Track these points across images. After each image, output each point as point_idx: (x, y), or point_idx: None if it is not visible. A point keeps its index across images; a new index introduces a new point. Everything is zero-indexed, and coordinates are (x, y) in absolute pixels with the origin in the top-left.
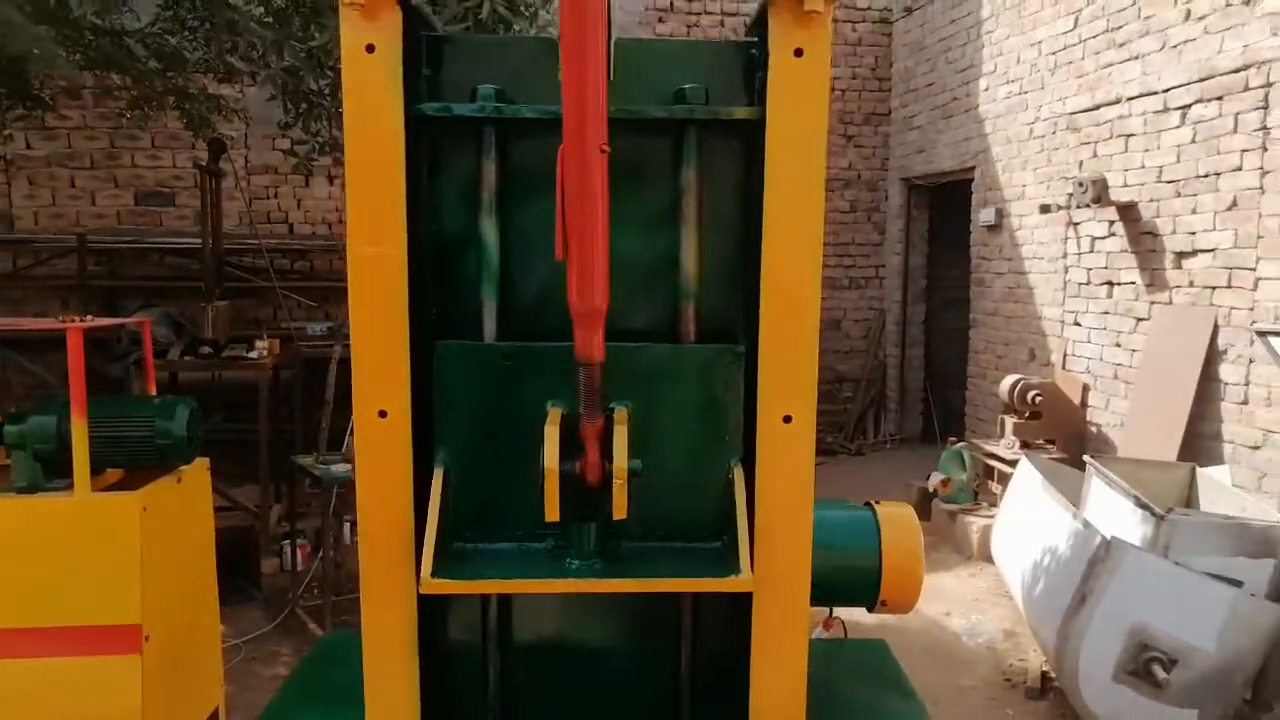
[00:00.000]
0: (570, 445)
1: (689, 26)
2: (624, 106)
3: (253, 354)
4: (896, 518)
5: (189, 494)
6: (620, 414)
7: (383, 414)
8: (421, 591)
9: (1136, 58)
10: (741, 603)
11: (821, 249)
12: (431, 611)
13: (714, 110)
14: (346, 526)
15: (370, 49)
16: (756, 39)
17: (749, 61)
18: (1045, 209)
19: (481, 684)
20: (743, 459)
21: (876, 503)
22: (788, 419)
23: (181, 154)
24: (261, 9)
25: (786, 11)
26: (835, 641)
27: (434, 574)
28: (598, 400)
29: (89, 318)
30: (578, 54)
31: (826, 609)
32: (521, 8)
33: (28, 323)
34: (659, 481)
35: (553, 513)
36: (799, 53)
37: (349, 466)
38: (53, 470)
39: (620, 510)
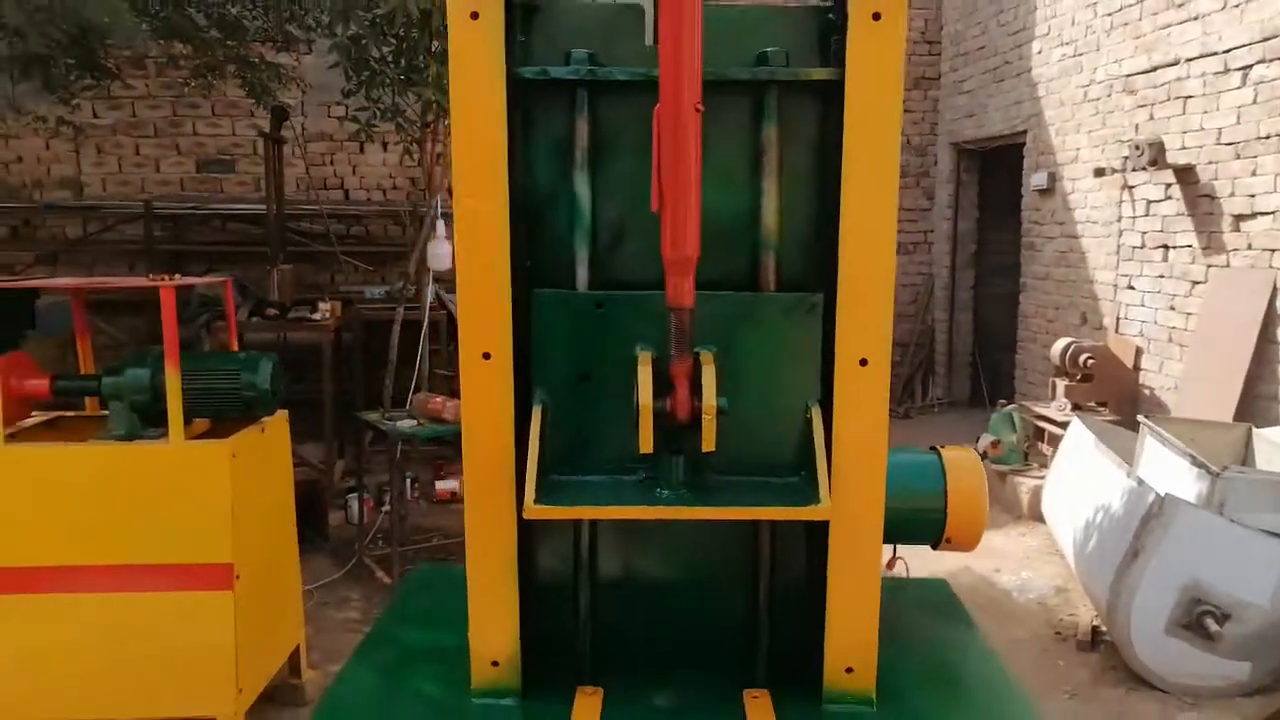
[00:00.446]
0: (660, 385)
1: None
2: (710, 69)
3: (316, 316)
4: (961, 460)
5: (272, 443)
6: (706, 356)
7: (486, 356)
8: (525, 517)
9: (1196, 18)
10: (817, 536)
11: (896, 201)
12: (526, 543)
13: (795, 72)
14: (408, 481)
15: (474, 16)
16: (832, 3)
17: (824, 25)
18: (1099, 172)
19: (572, 612)
20: (820, 401)
21: (941, 447)
22: (864, 362)
23: (240, 122)
24: None
25: None
26: (899, 580)
27: (537, 501)
28: (688, 343)
29: (176, 277)
30: (675, 21)
31: (891, 549)
32: None
33: (120, 282)
34: (741, 421)
35: (647, 445)
36: (877, 16)
37: (414, 422)
38: (147, 420)
39: (709, 443)
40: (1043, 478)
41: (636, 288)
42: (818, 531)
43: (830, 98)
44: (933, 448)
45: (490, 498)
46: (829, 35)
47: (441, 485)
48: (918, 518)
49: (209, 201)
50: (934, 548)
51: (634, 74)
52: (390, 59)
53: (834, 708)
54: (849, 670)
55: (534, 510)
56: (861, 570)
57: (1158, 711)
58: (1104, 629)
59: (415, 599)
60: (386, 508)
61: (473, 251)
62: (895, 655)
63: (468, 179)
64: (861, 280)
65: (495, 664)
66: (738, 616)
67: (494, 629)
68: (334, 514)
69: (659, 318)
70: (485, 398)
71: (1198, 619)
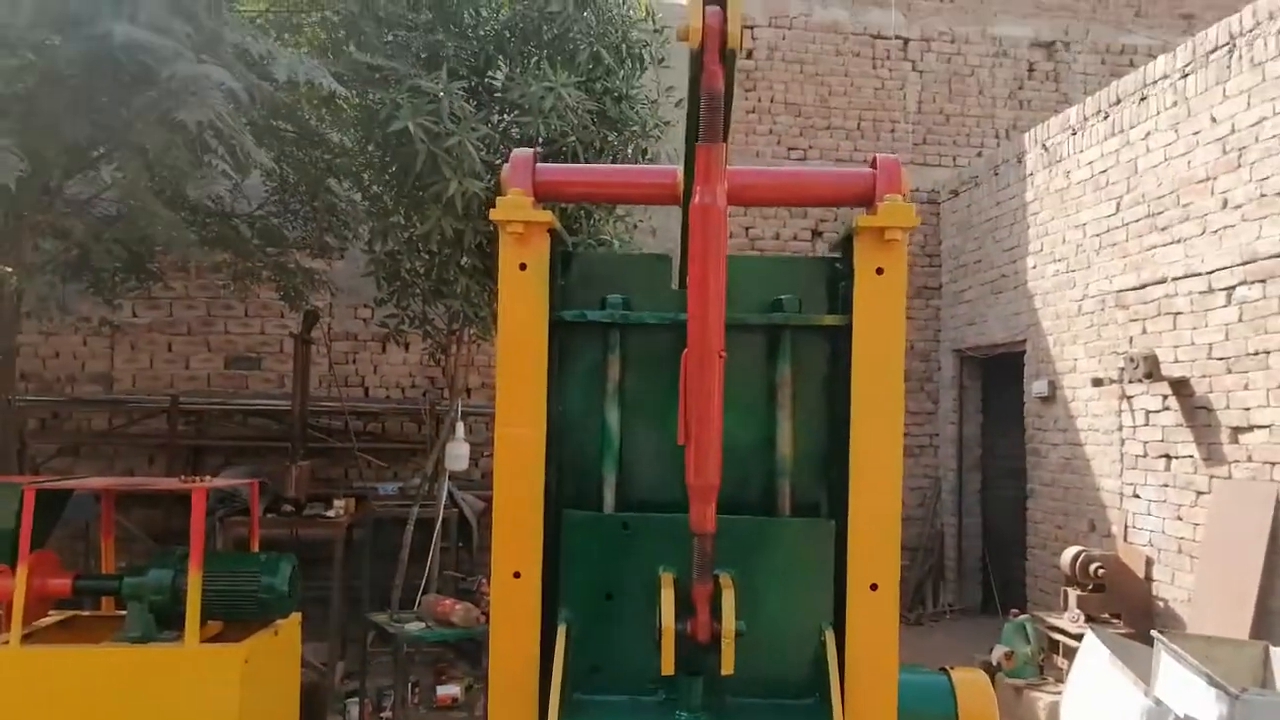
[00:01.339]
0: (680, 606)
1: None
2: (731, 314)
3: (330, 513)
4: (971, 683)
5: (283, 646)
6: (725, 579)
7: (517, 575)
8: None
9: (1178, 241)
10: None
11: (902, 436)
12: None
13: (807, 318)
14: (410, 686)
15: (523, 267)
16: (840, 255)
17: (832, 273)
18: (1098, 382)
19: None
20: (831, 622)
21: (951, 668)
22: (874, 587)
23: (270, 321)
24: (359, 195)
25: (870, 237)
26: None
27: None
28: (709, 568)
29: (208, 478)
30: (703, 283)
31: None
32: None
33: (154, 483)
34: (758, 641)
35: (668, 667)
36: (880, 271)
37: (422, 624)
38: (162, 621)
39: (729, 666)
40: (1059, 693)
41: (659, 509)
42: None
43: (839, 338)
44: (942, 668)
45: (514, 716)
46: (837, 281)
47: (443, 690)
48: None
49: (234, 397)
50: None
51: (662, 318)
52: (422, 272)
53: None
54: None
55: None
56: None
57: None
58: None
59: None
60: (386, 714)
61: (511, 476)
62: None
63: (510, 409)
64: (870, 511)
65: None
66: None
67: None
68: (332, 718)
69: (681, 539)
70: (514, 616)
71: None
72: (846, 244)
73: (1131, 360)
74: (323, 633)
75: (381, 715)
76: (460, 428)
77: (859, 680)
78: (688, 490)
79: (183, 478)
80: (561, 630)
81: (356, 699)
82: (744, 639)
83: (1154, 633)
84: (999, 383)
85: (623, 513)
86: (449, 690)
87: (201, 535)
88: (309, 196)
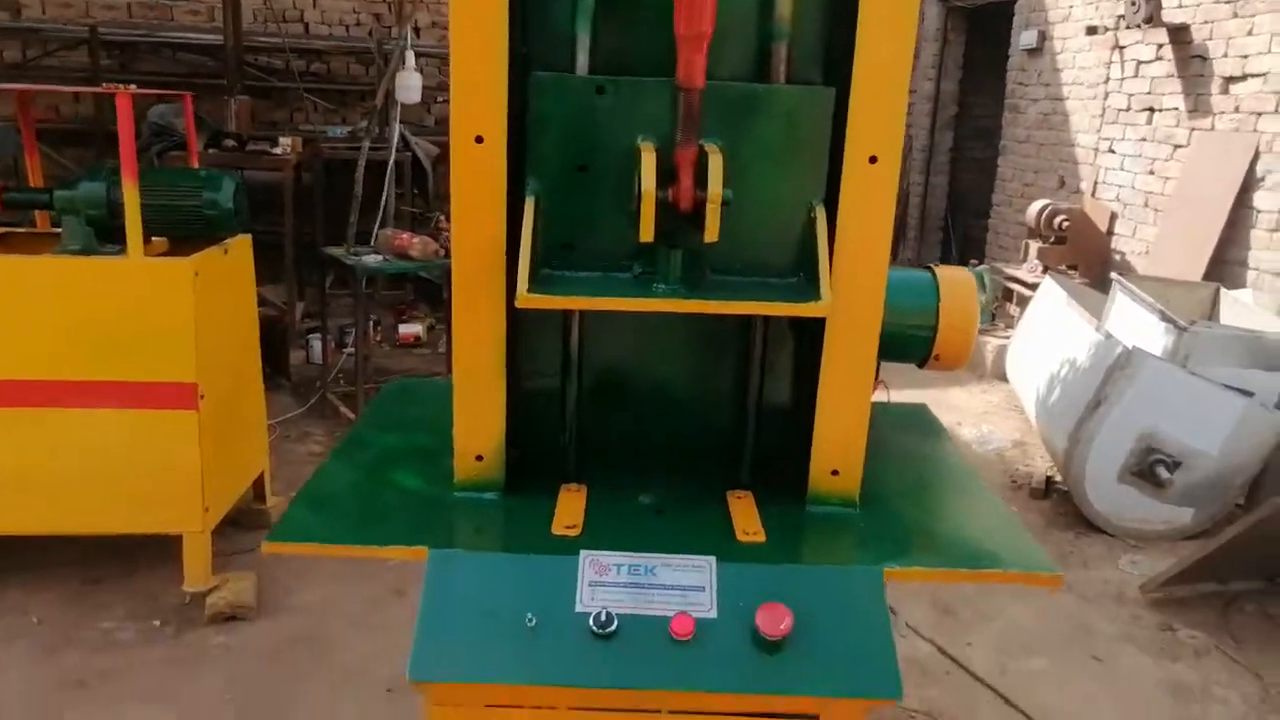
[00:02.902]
0: (661, 177)
1: None
2: None
3: (276, 150)
4: (954, 280)
5: (235, 265)
6: (712, 147)
7: (479, 139)
8: (518, 305)
9: None
10: (809, 339)
11: None
12: (512, 343)
13: None
14: (371, 324)
15: None
16: None
17: None
18: (1092, 30)
19: (559, 413)
20: (825, 201)
21: (936, 265)
22: (873, 159)
23: None
24: None
25: None
26: (882, 403)
27: (529, 290)
28: (696, 127)
29: (132, 87)
30: None
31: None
32: None
33: (75, 90)
34: (743, 216)
35: (648, 233)
36: None
37: (379, 258)
38: (102, 236)
39: (713, 233)
40: (1008, 338)
41: (638, 74)
42: (809, 337)
43: None
44: (926, 266)
45: (480, 287)
46: None
47: (405, 329)
48: (908, 335)
49: (159, 29)
50: (920, 366)
51: None
52: None
53: (817, 509)
54: (835, 473)
55: (526, 299)
56: (854, 371)
57: (1104, 553)
58: (1058, 479)
59: (392, 407)
60: (349, 349)
61: (467, 28)
62: (877, 467)
63: None
64: (877, 75)
65: (479, 458)
66: (725, 420)
67: (479, 422)
68: (295, 354)
69: (662, 108)
70: (477, 183)
71: (1150, 466)
72: None
73: (1133, 3)
74: (278, 274)
75: (344, 350)
76: (410, 56)
77: (850, 255)
78: (676, 41)
79: (105, 85)
80: (530, 202)
81: (318, 335)
82: (729, 211)
83: (1112, 275)
84: (983, 38)
85: (598, 76)
86: (411, 329)
87: (132, 143)
88: None
